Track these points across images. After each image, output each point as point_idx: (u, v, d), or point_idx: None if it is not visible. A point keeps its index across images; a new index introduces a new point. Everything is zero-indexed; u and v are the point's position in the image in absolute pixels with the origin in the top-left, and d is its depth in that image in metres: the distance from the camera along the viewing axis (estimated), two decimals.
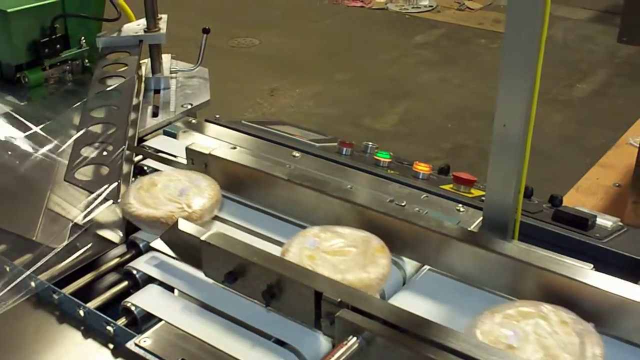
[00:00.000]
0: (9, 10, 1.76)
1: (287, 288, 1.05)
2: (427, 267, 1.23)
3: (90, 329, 1.15)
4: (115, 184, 1.28)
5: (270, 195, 1.34)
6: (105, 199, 1.26)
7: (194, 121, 1.78)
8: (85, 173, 1.33)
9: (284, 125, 1.92)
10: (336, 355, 0.93)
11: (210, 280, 1.17)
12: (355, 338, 0.96)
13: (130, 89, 1.60)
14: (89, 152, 1.38)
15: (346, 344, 0.95)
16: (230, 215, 1.35)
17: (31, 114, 1.64)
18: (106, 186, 1.27)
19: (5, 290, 1.16)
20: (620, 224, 1.47)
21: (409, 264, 1.24)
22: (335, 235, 1.19)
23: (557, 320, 1.01)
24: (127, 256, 1.28)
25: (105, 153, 1.37)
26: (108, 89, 1.61)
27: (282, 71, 5.42)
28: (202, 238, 1.12)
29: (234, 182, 1.38)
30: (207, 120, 1.81)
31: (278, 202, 1.35)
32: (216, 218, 1.34)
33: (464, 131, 4.47)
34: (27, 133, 1.56)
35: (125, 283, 1.22)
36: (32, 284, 1.20)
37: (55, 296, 1.18)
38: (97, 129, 1.47)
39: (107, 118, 1.50)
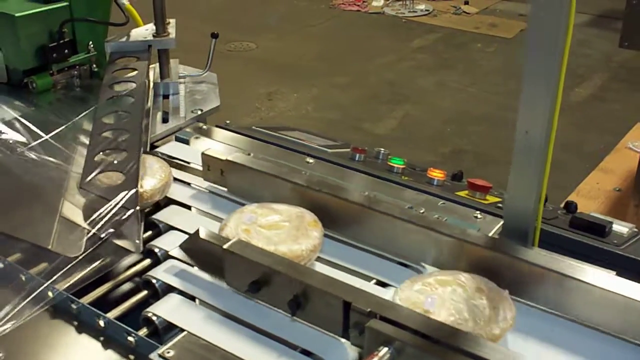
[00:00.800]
0: (16, 15, 1.74)
1: (314, 298, 1.03)
2: None
3: (110, 340, 1.13)
4: (134, 190, 1.26)
5: (288, 201, 1.32)
6: (124, 207, 1.24)
7: (204, 127, 1.77)
8: (101, 180, 1.31)
9: (294, 130, 1.91)
10: None
11: (232, 290, 1.15)
12: (386, 348, 0.94)
13: (142, 94, 1.58)
14: (103, 158, 1.37)
15: (377, 354, 0.94)
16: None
17: (40, 120, 1.62)
18: (124, 193, 1.25)
19: (25, 301, 1.14)
20: (636, 229, 1.46)
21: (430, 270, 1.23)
22: (272, 212, 1.25)
23: (473, 288, 1.07)
24: (145, 265, 1.26)
25: (120, 160, 1.35)
26: (119, 94, 1.59)
27: (280, 75, 5.41)
28: (225, 247, 1.11)
29: (251, 187, 1.36)
30: (217, 126, 1.79)
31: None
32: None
33: (463, 136, 4.47)
34: (37, 139, 1.54)
35: (144, 292, 1.20)
36: (50, 294, 1.18)
37: (74, 306, 1.16)
38: (110, 135, 1.45)
39: (120, 124, 1.48)
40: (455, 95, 5.03)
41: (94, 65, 1.93)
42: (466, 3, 6.40)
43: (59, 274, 1.17)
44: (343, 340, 1.05)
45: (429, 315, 1.01)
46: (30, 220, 1.33)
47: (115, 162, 1.35)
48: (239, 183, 1.37)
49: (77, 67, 1.89)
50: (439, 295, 1.06)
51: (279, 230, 1.21)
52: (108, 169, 1.33)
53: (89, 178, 1.31)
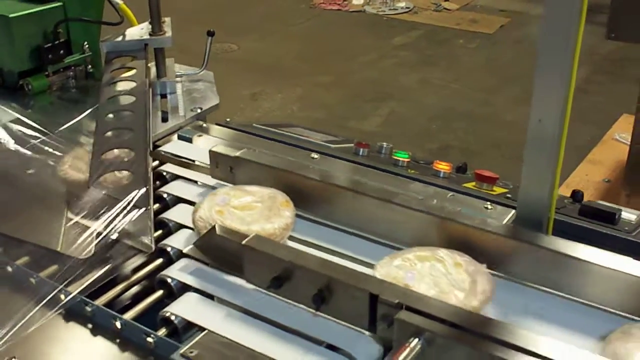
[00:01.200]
0: (10, 16, 1.71)
1: (339, 291, 1.02)
2: None
3: (128, 342, 1.11)
4: (144, 189, 1.24)
5: (304, 196, 1.31)
6: (135, 206, 1.21)
7: (204, 125, 1.75)
8: (109, 179, 1.29)
9: (295, 127, 1.89)
10: (401, 358, 0.91)
11: (251, 286, 1.13)
12: (416, 339, 0.93)
13: (143, 92, 1.56)
14: (109, 157, 1.34)
15: (409, 345, 0.93)
16: None
17: (39, 121, 1.59)
18: (135, 192, 1.23)
19: (38, 306, 1.11)
20: None
21: None
22: (244, 193, 1.28)
23: (451, 262, 1.10)
24: (157, 265, 1.24)
25: (126, 158, 1.33)
26: (120, 93, 1.57)
27: (263, 76, 5.39)
28: (244, 242, 1.09)
29: (262, 184, 1.34)
30: (217, 124, 1.77)
31: (311, 204, 1.31)
32: None
33: (449, 132, 4.49)
34: (37, 140, 1.51)
35: (160, 292, 1.18)
36: (62, 296, 1.15)
37: (89, 308, 1.14)
38: (114, 134, 1.42)
39: (124, 123, 1.46)
40: (439, 92, 5.04)
41: (90, 66, 1.90)
42: (446, 0, 6.43)
43: (72, 277, 1.15)
44: (368, 333, 1.04)
45: (409, 289, 1.04)
46: (37, 222, 1.31)
47: (123, 160, 1.32)
48: (249, 179, 1.35)
49: (73, 68, 1.86)
50: (418, 271, 1.09)
51: (252, 210, 1.24)
52: (116, 168, 1.30)
53: (97, 177, 1.28)
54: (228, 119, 1.81)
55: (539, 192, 1.25)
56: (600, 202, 1.50)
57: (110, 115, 1.48)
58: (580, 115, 4.51)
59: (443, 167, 1.60)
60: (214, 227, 1.15)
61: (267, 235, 1.17)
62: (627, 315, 1.08)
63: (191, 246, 1.21)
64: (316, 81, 5.28)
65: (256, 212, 1.23)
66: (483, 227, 1.16)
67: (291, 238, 1.26)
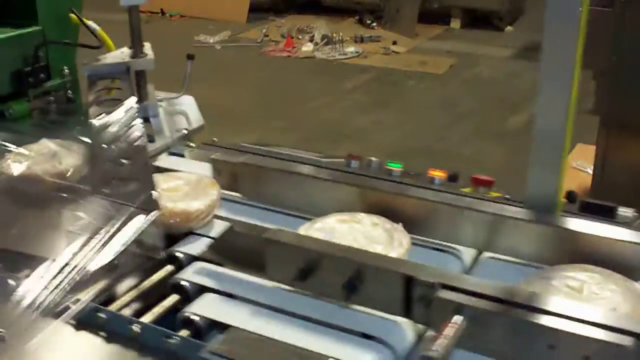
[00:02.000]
0: None
1: (371, 278, 1.00)
2: (485, 254, 1.22)
3: (145, 346, 1.06)
4: (151, 193, 1.20)
5: (321, 200, 1.29)
6: (143, 209, 1.17)
7: (192, 145, 1.72)
8: (113, 187, 1.25)
9: (280, 147, 1.88)
10: (446, 333, 0.89)
11: (270, 283, 1.10)
12: (458, 316, 0.92)
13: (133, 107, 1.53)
14: (111, 167, 1.30)
15: (453, 322, 0.91)
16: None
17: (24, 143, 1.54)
18: (142, 196, 1.19)
19: (48, 316, 1.05)
20: (636, 213, 1.50)
21: (467, 253, 1.22)
22: (173, 179, 1.38)
23: (369, 223, 1.21)
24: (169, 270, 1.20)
25: (129, 165, 1.29)
26: (110, 110, 1.53)
27: (217, 123, 5.30)
28: (266, 236, 1.07)
29: (270, 190, 1.32)
30: (204, 144, 1.75)
31: (321, 204, 1.30)
32: None
33: (407, 168, 4.53)
34: (28, 160, 1.46)
35: (175, 296, 1.13)
36: (73, 305, 1.09)
37: (103, 315, 1.08)
38: (111, 144, 1.38)
39: (120, 135, 1.42)
40: (394, 131, 5.11)
41: (69, 92, 1.86)
42: (394, 43, 6.56)
43: (91, 286, 1.10)
44: (399, 319, 1.02)
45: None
46: (39, 234, 1.25)
47: (124, 168, 1.29)
48: (257, 186, 1.33)
49: (52, 92, 1.82)
50: (337, 231, 1.18)
51: (179, 192, 1.33)
52: (120, 175, 1.26)
53: (101, 185, 1.24)
54: (215, 139, 1.79)
55: (546, 194, 1.27)
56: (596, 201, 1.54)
57: (104, 128, 1.44)
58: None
59: (438, 174, 1.61)
60: (231, 226, 1.12)
61: (194, 211, 1.26)
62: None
63: (204, 248, 1.17)
64: (271, 126, 5.28)
65: (183, 192, 1.32)
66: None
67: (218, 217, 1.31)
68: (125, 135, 1.41)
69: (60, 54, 1.85)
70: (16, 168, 1.41)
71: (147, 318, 1.09)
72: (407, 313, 0.99)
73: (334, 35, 6.66)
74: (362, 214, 1.22)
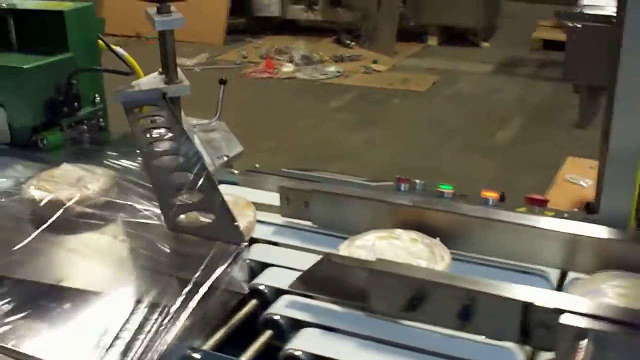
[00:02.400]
0: (24, 67, 1.61)
1: (484, 305, 0.98)
2: (571, 274, 1.21)
3: None
4: (236, 225, 1.16)
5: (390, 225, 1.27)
6: (231, 243, 1.13)
7: (235, 172, 1.69)
8: (187, 218, 1.21)
9: (322, 171, 1.86)
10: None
11: (366, 314, 1.07)
12: (586, 341, 0.90)
13: (182, 132, 1.49)
14: (179, 198, 1.26)
15: (581, 349, 0.89)
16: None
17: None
18: (227, 229, 1.15)
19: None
20: None
21: (553, 274, 1.21)
22: None
23: (407, 239, 1.22)
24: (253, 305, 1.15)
25: (198, 198, 1.25)
26: (159, 138, 1.49)
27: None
28: (371, 267, 1.04)
29: (343, 217, 1.30)
30: (248, 171, 1.72)
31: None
32: None
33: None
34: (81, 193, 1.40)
35: (269, 332, 1.09)
36: (160, 347, 1.05)
37: (197, 355, 1.04)
38: (171, 175, 1.34)
39: (179, 165, 1.37)
40: (383, 149, 5.12)
41: (101, 120, 1.81)
42: (375, 62, 6.60)
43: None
44: (508, 345, 1.00)
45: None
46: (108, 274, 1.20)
47: (195, 200, 1.24)
48: (326, 212, 1.30)
49: (85, 121, 1.77)
50: (377, 247, 1.18)
51: None
52: (194, 207, 1.22)
53: (174, 219, 1.19)
54: (257, 165, 1.76)
55: (621, 205, 1.27)
56: None
57: (159, 158, 1.40)
58: (524, 162, 4.68)
59: (491, 194, 1.60)
60: (324, 257, 1.09)
61: None
62: None
63: (294, 280, 1.14)
64: (259, 147, 5.24)
65: None
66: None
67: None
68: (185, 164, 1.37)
69: (89, 81, 1.80)
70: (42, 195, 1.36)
71: (246, 357, 1.04)
72: (524, 339, 0.97)
73: (315, 55, 6.67)
74: (400, 230, 1.24)
